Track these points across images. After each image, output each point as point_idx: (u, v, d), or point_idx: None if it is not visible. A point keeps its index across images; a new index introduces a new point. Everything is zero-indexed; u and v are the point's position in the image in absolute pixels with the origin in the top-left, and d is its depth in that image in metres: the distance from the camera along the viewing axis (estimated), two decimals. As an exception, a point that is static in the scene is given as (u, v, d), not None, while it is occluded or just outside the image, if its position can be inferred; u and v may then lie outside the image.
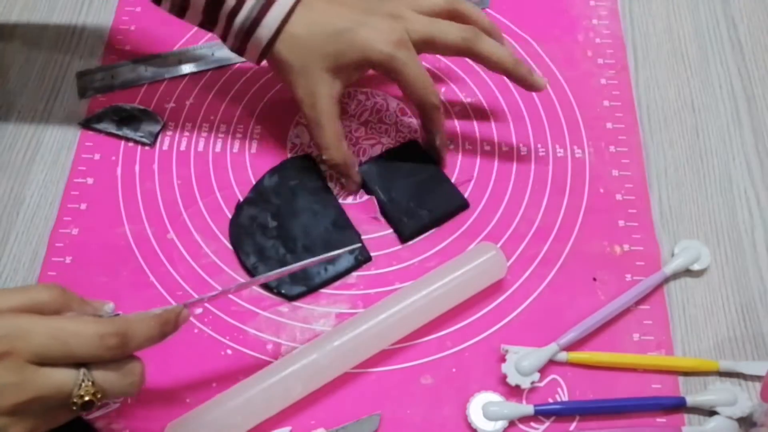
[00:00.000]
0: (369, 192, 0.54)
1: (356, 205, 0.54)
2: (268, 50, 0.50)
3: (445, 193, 0.54)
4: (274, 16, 0.49)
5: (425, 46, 0.51)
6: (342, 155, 0.52)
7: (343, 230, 0.52)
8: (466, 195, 0.54)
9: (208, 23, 0.52)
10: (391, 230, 0.53)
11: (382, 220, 0.53)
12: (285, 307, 0.50)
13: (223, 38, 0.52)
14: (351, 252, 0.51)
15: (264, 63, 0.52)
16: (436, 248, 0.52)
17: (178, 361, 0.48)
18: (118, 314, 0.39)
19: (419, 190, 0.54)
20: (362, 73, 0.53)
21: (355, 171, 0.54)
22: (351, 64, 0.50)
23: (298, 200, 0.54)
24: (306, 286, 0.50)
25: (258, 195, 0.54)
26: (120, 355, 0.37)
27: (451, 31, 0.50)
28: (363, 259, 0.51)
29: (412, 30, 0.50)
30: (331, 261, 0.51)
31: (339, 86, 0.51)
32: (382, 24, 0.49)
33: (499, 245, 0.52)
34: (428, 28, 0.50)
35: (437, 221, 0.53)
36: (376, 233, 0.53)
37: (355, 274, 0.51)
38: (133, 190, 0.55)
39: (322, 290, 0.51)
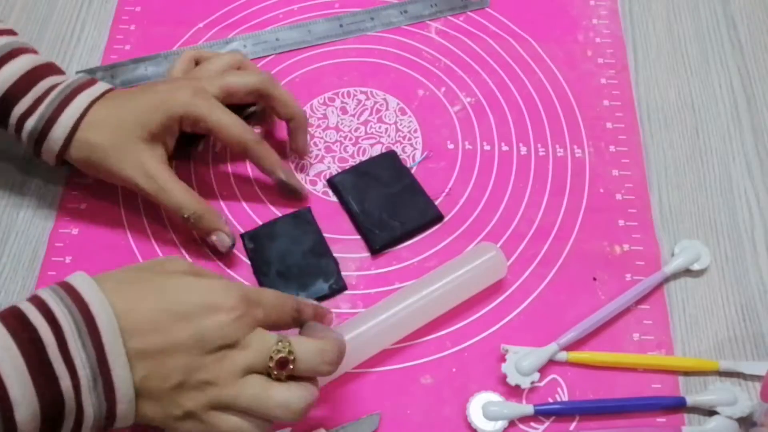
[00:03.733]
0: (343, 202, 0.54)
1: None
2: (67, 146, 0.48)
3: (420, 206, 0.53)
4: (71, 114, 0.48)
5: (227, 96, 0.51)
6: (203, 206, 0.49)
7: (320, 257, 0.51)
8: (461, 202, 0.54)
9: (3, 125, 0.50)
10: (391, 230, 0.53)
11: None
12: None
13: (18, 140, 0.50)
14: (326, 280, 0.50)
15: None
16: (435, 248, 0.52)
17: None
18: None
19: (393, 201, 0.53)
20: (180, 131, 0.50)
21: (223, 221, 0.50)
22: (160, 127, 0.48)
23: (277, 224, 0.53)
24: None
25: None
26: None
27: (245, 75, 0.52)
28: (337, 288, 0.50)
29: (210, 85, 0.50)
30: (305, 288, 0.50)
31: (162, 151, 0.49)
32: (177, 84, 0.50)
33: (499, 245, 0.52)
34: (224, 79, 0.51)
35: (410, 233, 0.52)
36: (376, 233, 0.53)
37: (355, 273, 0.51)
38: (133, 192, 0.55)
39: (322, 290, 0.51)
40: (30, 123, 0.48)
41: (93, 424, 0.37)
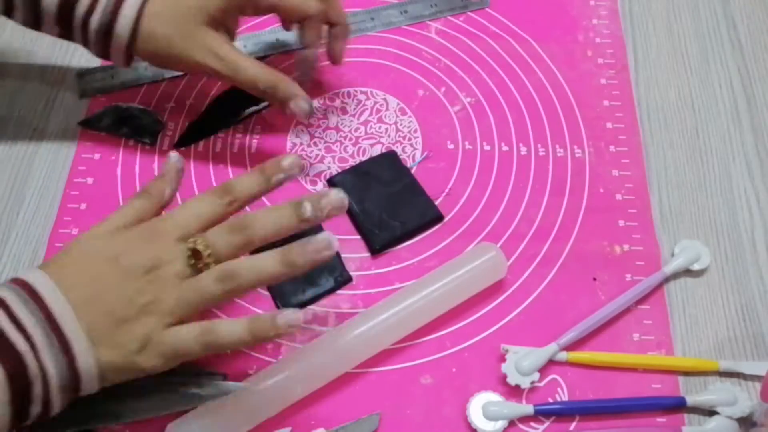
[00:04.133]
0: None
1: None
2: (134, 40, 0.49)
3: (420, 206, 0.53)
4: (131, 4, 0.48)
5: None
6: (277, 77, 0.50)
7: None
8: (461, 202, 0.54)
9: (66, 33, 0.51)
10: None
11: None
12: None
13: (85, 44, 0.51)
14: (330, 274, 0.50)
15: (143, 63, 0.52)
16: (436, 248, 0.52)
17: (178, 361, 0.48)
18: None
19: (393, 201, 0.53)
20: (242, 13, 0.52)
21: (299, 88, 0.51)
22: (221, 12, 0.50)
23: None
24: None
25: None
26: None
27: None
28: (343, 280, 0.51)
29: None
30: (311, 283, 0.50)
31: (226, 34, 0.51)
32: None
33: (498, 245, 0.52)
34: None
35: (410, 233, 0.52)
36: (376, 233, 0.53)
37: (355, 273, 0.51)
38: (133, 190, 0.55)
39: (322, 290, 0.51)
40: (94, 21, 0.48)
41: (60, 384, 0.38)
